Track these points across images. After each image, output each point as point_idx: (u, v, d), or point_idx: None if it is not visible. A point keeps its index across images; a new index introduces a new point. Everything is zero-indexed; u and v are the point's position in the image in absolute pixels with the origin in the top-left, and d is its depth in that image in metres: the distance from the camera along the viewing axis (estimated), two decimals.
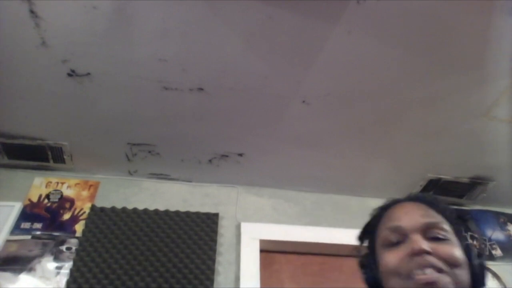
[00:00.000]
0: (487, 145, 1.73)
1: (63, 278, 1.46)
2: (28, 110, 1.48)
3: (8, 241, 1.52)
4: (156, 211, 1.68)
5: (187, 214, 1.70)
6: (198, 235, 1.64)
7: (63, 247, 1.54)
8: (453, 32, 1.23)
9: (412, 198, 0.76)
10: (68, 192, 1.72)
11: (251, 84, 1.40)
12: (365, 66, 1.33)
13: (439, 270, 0.62)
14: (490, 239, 1.92)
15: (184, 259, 1.56)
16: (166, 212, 1.69)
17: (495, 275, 1.78)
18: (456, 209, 0.74)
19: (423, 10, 1.15)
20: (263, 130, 1.61)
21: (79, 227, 1.61)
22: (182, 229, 1.65)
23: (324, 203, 1.97)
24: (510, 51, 1.30)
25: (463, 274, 0.63)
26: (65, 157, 1.70)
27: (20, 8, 1.13)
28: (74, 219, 1.64)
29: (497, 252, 1.91)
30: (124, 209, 1.66)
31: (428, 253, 0.63)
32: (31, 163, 1.72)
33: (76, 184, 1.75)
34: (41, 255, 1.51)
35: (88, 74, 1.34)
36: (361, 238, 0.80)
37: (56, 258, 1.51)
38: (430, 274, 0.61)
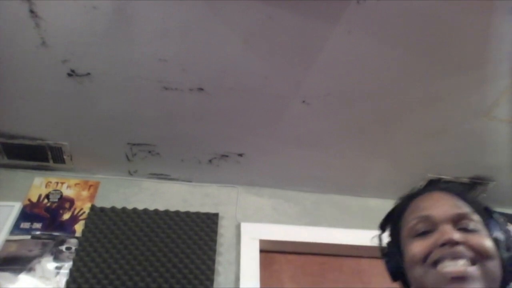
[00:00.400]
0: (487, 145, 1.73)
1: (62, 278, 1.46)
2: (28, 110, 1.48)
3: (7, 241, 1.52)
4: (156, 211, 1.68)
5: (187, 214, 1.70)
6: (198, 235, 1.64)
7: (63, 247, 1.55)
8: (453, 32, 1.23)
9: (441, 188, 0.74)
10: (68, 192, 1.72)
11: (251, 84, 1.40)
12: (365, 66, 1.33)
13: (473, 262, 0.61)
14: None
15: (184, 259, 1.56)
16: (166, 212, 1.69)
17: None
18: (483, 201, 0.73)
19: (423, 10, 1.15)
20: (263, 130, 1.61)
21: (78, 227, 1.61)
22: (182, 229, 1.65)
23: (324, 203, 1.97)
24: (510, 51, 1.30)
25: (495, 266, 0.62)
26: (65, 157, 1.70)
27: (20, 8, 1.13)
28: (74, 219, 1.64)
29: None
30: (124, 209, 1.66)
31: (459, 243, 0.62)
32: (31, 163, 1.73)
33: (76, 184, 1.75)
34: (40, 255, 1.51)
35: (88, 74, 1.34)
36: (383, 226, 0.79)
37: (56, 258, 1.51)
38: (462, 267, 0.60)
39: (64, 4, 1.13)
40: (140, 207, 1.69)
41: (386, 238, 0.78)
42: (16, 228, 1.56)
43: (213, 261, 1.59)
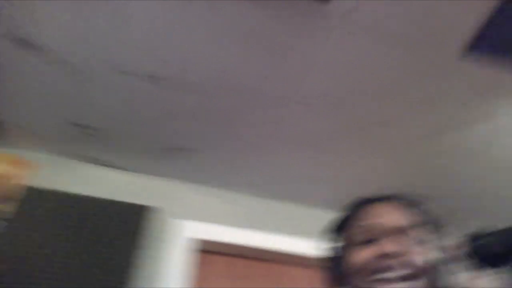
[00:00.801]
0: None
1: None
2: None
3: None
4: (89, 198, 1.62)
5: (120, 204, 1.63)
6: (129, 227, 1.59)
7: None
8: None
9: (389, 198, 0.74)
10: None
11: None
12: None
13: (404, 278, 0.60)
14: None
15: (105, 250, 1.51)
16: (98, 199, 1.63)
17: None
18: (432, 214, 0.72)
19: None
20: (221, 128, 1.59)
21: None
22: (112, 219, 1.59)
23: (272, 210, 1.95)
24: None
25: (434, 279, 0.61)
26: None
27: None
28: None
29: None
30: (54, 192, 1.59)
31: (394, 257, 0.62)
32: None
33: (8, 162, 1.58)
34: None
35: (40, 47, 1.30)
36: (331, 233, 0.78)
37: None
38: (391, 284, 0.59)
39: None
40: (76, 191, 1.62)
41: (328, 245, 0.78)
42: None
43: (142, 255, 1.55)
